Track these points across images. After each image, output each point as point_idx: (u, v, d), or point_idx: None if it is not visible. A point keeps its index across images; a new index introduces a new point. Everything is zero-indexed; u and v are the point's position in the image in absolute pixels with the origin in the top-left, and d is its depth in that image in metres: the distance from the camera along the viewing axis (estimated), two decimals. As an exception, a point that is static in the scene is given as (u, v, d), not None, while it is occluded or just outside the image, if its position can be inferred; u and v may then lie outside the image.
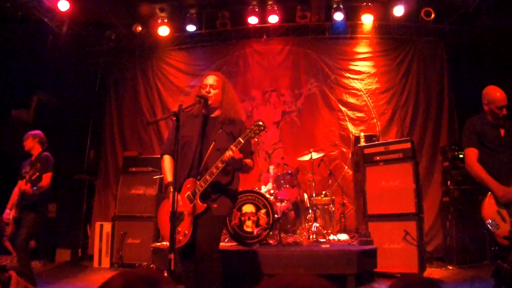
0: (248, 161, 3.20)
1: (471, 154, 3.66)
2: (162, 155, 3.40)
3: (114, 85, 8.68)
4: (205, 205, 3.06)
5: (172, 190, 3.07)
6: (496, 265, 3.24)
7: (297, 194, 6.22)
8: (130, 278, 1.18)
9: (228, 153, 2.95)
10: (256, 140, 7.05)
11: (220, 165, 3.00)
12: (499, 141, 3.62)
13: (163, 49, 8.51)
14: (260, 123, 3.02)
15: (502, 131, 3.66)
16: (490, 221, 3.45)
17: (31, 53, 7.58)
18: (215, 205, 3.11)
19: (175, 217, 2.71)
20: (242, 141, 2.99)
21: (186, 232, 3.03)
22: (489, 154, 3.63)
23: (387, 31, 7.84)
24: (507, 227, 3.36)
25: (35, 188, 4.55)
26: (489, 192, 3.49)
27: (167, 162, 3.32)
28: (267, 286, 1.12)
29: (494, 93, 3.64)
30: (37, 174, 4.51)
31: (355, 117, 7.61)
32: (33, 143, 4.94)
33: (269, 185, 6.27)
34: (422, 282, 1.30)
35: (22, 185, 4.54)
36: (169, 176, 3.23)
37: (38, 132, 5.05)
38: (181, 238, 3.02)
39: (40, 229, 4.87)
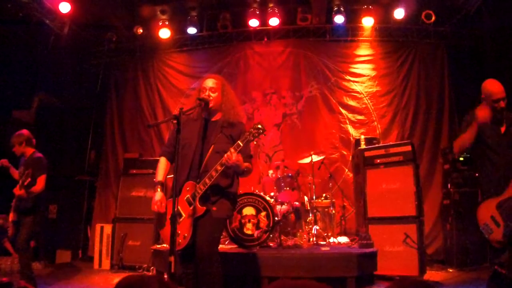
0: (246, 164, 3.20)
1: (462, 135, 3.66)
2: (159, 156, 3.45)
3: (115, 86, 8.70)
4: (205, 208, 3.06)
5: (159, 190, 3.17)
6: (493, 270, 3.25)
7: (297, 196, 6.21)
8: (135, 278, 1.22)
9: (227, 156, 2.96)
10: (255, 143, 7.05)
11: (219, 168, 3.01)
12: (499, 139, 3.59)
13: (164, 51, 8.52)
14: (259, 126, 3.02)
15: (503, 129, 3.63)
16: (483, 226, 3.48)
17: (32, 54, 7.60)
18: (214, 208, 3.11)
19: (175, 220, 2.71)
20: (241, 144, 3.00)
21: (186, 234, 3.04)
22: (488, 155, 3.61)
23: (388, 33, 7.85)
24: (500, 231, 3.37)
25: (28, 193, 4.53)
26: (486, 198, 3.50)
27: (162, 163, 3.37)
28: None
29: (490, 86, 3.59)
30: (29, 180, 4.48)
31: (356, 120, 7.62)
32: (21, 147, 4.84)
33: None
34: (418, 285, 1.31)
35: (16, 190, 4.53)
36: (159, 176, 3.29)
37: (20, 133, 4.91)
38: (180, 240, 3.03)
39: (40, 229, 4.86)
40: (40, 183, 4.65)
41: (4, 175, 4.88)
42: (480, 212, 3.55)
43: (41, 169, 4.72)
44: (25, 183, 4.47)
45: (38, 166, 4.71)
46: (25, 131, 4.97)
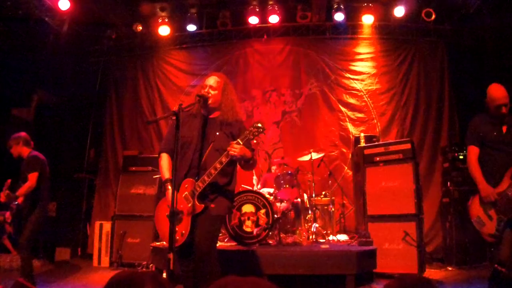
0: (250, 153, 3.20)
1: (471, 152, 3.77)
2: (159, 153, 3.41)
3: (115, 84, 8.68)
4: (203, 205, 3.06)
5: (170, 187, 3.11)
6: (493, 269, 3.26)
7: (297, 194, 6.21)
8: (127, 274, 1.21)
9: (233, 149, 2.96)
10: (255, 141, 7.05)
11: (219, 166, 3.01)
12: (499, 139, 3.65)
13: (163, 49, 8.50)
14: (259, 125, 3.01)
15: (505, 128, 3.68)
16: (475, 218, 3.52)
17: (31, 52, 7.59)
18: (212, 205, 3.11)
19: (175, 217, 2.71)
20: (241, 143, 3.00)
21: (183, 231, 3.03)
22: (488, 153, 3.68)
23: (388, 31, 7.83)
24: (492, 225, 3.42)
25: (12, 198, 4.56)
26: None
27: (165, 160, 3.33)
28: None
29: (494, 92, 3.68)
30: (4, 199, 4.53)
31: (355, 118, 7.60)
32: (18, 148, 4.84)
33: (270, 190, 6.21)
34: (418, 282, 1.30)
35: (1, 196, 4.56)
36: (166, 173, 3.25)
37: (17, 135, 4.90)
38: (178, 237, 3.02)
39: (42, 227, 4.84)
40: (32, 179, 4.62)
41: (4, 173, 4.87)
42: (472, 206, 3.61)
43: (34, 167, 4.69)
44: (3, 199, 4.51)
45: (31, 164, 4.70)
46: (22, 133, 4.96)
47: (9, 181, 4.64)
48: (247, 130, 3.03)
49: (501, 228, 3.37)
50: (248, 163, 3.24)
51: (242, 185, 6.24)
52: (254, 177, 6.50)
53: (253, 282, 1.18)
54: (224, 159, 3.00)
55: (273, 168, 6.70)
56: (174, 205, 2.67)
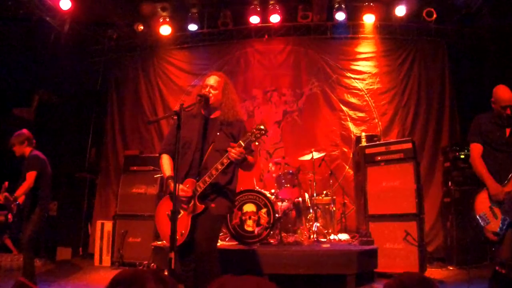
0: (249, 157, 3.20)
1: (474, 149, 3.76)
2: (160, 154, 3.41)
3: (116, 84, 8.68)
4: (204, 205, 3.06)
5: (172, 184, 3.13)
6: (494, 271, 3.27)
7: (298, 193, 6.21)
8: (130, 272, 1.22)
9: (233, 153, 2.95)
10: (257, 143, 7.06)
11: (220, 167, 3.01)
12: (502, 140, 3.67)
13: (164, 48, 8.50)
14: (262, 127, 3.00)
15: (508, 131, 3.69)
16: (481, 214, 3.53)
17: (32, 52, 7.60)
18: (213, 205, 3.11)
19: (176, 216, 2.71)
20: (243, 144, 2.99)
21: (183, 231, 3.03)
22: (490, 153, 3.69)
23: (389, 31, 7.82)
24: (497, 223, 3.43)
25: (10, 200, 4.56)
26: (485, 187, 3.56)
27: (165, 159, 3.34)
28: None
29: (500, 93, 3.69)
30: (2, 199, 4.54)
31: (357, 117, 7.60)
32: (22, 147, 4.82)
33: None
34: (418, 281, 1.30)
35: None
36: (167, 171, 3.24)
37: (20, 133, 4.90)
38: (178, 237, 3.02)
39: (43, 226, 4.85)
40: (30, 178, 4.61)
41: (5, 173, 4.88)
42: (478, 201, 3.61)
43: (33, 166, 4.68)
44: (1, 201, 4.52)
45: (31, 164, 4.70)
46: (25, 131, 4.95)
47: (6, 183, 4.63)
48: (249, 132, 3.02)
49: (505, 227, 3.38)
50: (248, 165, 3.24)
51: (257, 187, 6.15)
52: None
53: (250, 281, 1.18)
54: (225, 161, 3.01)
55: (270, 165, 6.70)
56: (176, 204, 2.68)
